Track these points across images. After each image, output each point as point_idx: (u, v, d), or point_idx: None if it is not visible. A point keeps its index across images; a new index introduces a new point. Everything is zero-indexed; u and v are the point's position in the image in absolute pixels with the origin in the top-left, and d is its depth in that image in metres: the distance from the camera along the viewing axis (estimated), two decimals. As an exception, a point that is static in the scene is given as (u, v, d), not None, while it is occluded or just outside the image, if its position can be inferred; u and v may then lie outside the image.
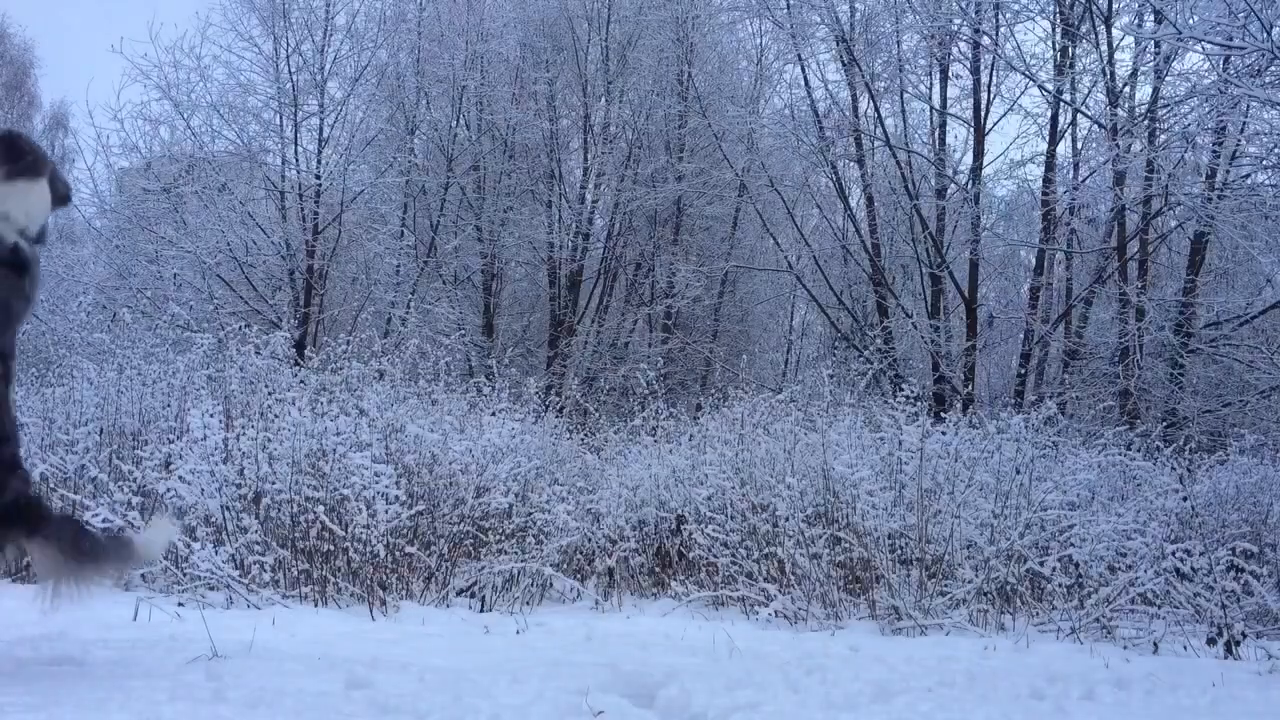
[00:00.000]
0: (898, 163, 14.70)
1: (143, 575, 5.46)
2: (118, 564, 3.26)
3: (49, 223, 3.23)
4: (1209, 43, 9.49)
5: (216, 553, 5.45)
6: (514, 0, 16.74)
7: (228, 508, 5.72)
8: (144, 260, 14.17)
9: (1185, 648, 5.66)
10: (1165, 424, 11.22)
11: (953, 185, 14.79)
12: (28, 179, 3.10)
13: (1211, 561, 6.16)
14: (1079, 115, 13.88)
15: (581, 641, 4.94)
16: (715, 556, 6.71)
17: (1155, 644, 5.72)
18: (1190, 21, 10.32)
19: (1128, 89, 13.30)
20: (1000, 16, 13.77)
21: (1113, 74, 13.11)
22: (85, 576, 3.11)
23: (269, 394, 6.84)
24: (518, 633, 5.16)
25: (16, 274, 3.01)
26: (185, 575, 5.46)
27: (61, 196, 3.26)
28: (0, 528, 2.89)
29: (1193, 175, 13.29)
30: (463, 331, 13.19)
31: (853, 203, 16.43)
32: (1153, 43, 12.02)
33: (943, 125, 15.36)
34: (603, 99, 16.37)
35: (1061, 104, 13.66)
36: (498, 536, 6.67)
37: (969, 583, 6.30)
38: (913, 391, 8.16)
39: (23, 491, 2.96)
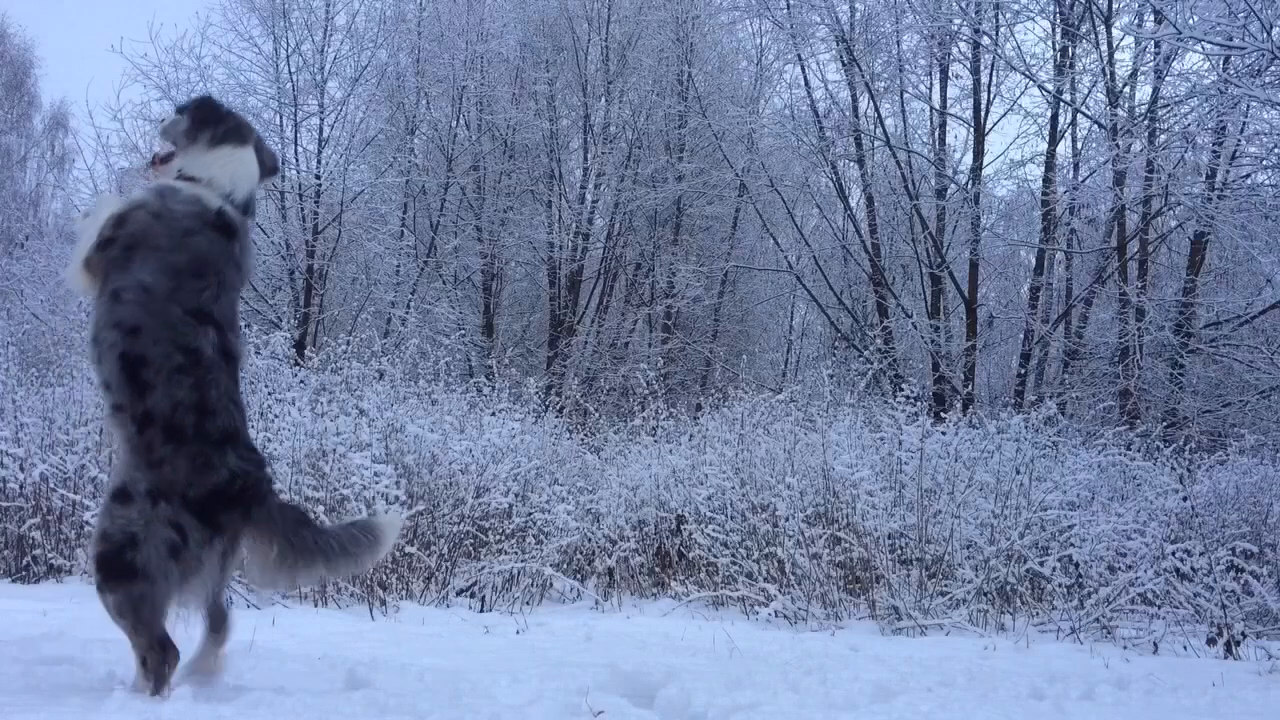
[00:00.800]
0: (898, 163, 14.71)
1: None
2: (354, 557, 2.84)
3: (256, 194, 3.06)
4: (1209, 43, 9.49)
5: (216, 553, 5.44)
6: (514, 0, 16.74)
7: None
8: (144, 260, 14.13)
9: (1185, 648, 5.66)
10: (1165, 424, 11.23)
11: (952, 185, 14.79)
12: (231, 145, 3.00)
13: (1211, 561, 6.16)
14: (1079, 115, 13.89)
15: (581, 641, 4.94)
16: (715, 556, 6.71)
17: (1155, 644, 5.73)
18: (1190, 21, 10.31)
19: (1128, 89, 13.32)
20: (1000, 16, 13.78)
21: (1113, 74, 13.12)
22: (308, 575, 2.85)
23: (269, 394, 6.85)
24: (518, 633, 5.16)
25: (224, 237, 2.86)
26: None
27: (269, 168, 3.15)
28: (217, 511, 2.65)
29: (1193, 175, 13.30)
30: (463, 331, 13.20)
31: (853, 203, 16.43)
32: (1153, 43, 12.03)
33: (943, 125, 15.37)
34: (603, 99, 16.37)
35: (1061, 104, 13.67)
36: (498, 536, 6.67)
37: (969, 583, 6.31)
38: (913, 391, 8.17)
39: (243, 470, 2.72)
